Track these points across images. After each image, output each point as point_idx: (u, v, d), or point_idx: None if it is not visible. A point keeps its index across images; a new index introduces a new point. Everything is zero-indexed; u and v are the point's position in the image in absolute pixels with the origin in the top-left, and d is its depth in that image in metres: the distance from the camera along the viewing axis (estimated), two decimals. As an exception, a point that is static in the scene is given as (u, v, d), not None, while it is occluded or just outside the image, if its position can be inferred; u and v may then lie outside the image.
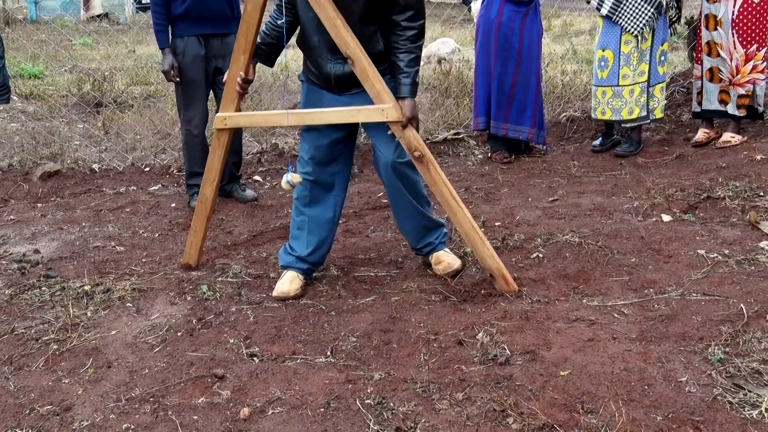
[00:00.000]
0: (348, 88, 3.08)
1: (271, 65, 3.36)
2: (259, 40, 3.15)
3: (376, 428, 2.24)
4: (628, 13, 4.85)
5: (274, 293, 3.23)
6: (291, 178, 3.15)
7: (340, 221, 4.24)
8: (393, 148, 3.10)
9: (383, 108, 2.96)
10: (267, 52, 3.23)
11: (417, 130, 3.01)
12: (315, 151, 3.20)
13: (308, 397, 2.44)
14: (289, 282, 3.25)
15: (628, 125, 5.17)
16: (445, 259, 3.38)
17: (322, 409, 2.37)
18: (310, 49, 3.10)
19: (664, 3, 4.86)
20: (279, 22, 3.11)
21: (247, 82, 3.20)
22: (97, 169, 5.47)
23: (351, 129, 3.25)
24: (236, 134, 4.64)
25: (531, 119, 5.25)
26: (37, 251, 3.92)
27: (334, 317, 3.03)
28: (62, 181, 5.25)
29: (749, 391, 2.32)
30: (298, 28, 3.14)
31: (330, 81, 3.09)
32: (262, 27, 3.15)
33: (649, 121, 5.16)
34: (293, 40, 3.30)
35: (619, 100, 5.05)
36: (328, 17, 2.86)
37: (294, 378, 2.56)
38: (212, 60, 4.40)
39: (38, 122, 6.65)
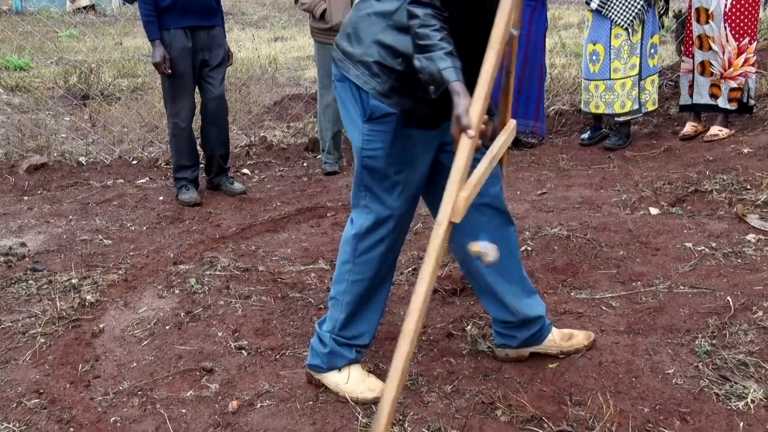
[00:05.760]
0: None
1: None
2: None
3: (365, 421, 2.24)
4: (618, 6, 4.86)
5: (371, 396, 2.33)
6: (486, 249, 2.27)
7: (329, 214, 4.24)
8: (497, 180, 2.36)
9: (511, 127, 2.29)
10: None
11: None
12: (414, 188, 2.30)
13: (297, 390, 2.44)
14: (369, 376, 2.42)
15: (621, 119, 5.18)
16: (576, 332, 2.61)
17: (311, 402, 2.37)
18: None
19: None
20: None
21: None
22: (84, 162, 5.44)
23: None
24: (223, 126, 4.63)
25: (535, 112, 5.31)
26: (23, 244, 3.89)
27: (323, 311, 3.03)
28: (49, 174, 5.21)
29: (735, 382, 2.33)
30: None
31: (444, 115, 2.07)
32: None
33: (641, 114, 5.18)
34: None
35: (611, 93, 5.06)
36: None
37: (283, 371, 2.56)
38: (199, 52, 4.37)
39: (24, 115, 6.59)
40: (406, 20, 2.01)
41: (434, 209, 2.29)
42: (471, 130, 1.78)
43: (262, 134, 5.98)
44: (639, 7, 4.83)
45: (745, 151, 4.70)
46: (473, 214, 2.25)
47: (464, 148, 1.80)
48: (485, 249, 1.96)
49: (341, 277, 2.35)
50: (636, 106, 5.08)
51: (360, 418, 2.26)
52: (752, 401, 2.23)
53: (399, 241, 2.34)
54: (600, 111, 5.18)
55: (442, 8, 1.93)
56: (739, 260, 3.23)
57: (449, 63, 1.87)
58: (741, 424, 2.14)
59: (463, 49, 1.94)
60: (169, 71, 4.27)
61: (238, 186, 4.75)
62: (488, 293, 2.46)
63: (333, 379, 2.40)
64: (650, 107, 5.19)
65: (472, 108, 1.82)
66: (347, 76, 2.15)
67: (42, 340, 2.83)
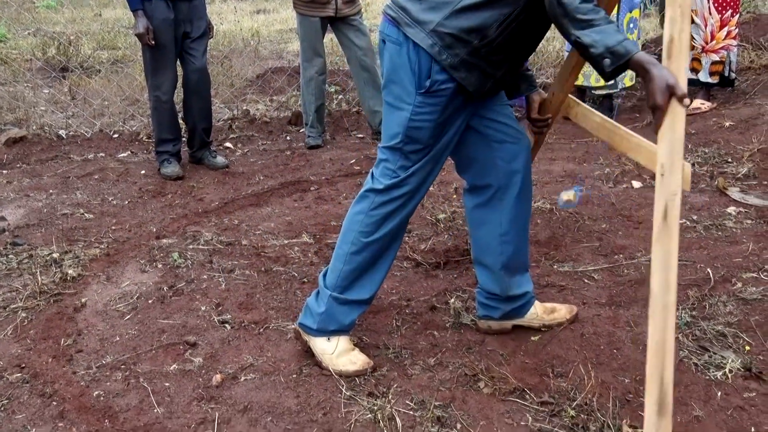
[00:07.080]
0: None
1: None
2: None
3: (348, 394, 2.26)
4: None
5: (352, 368, 2.37)
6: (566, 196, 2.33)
7: (313, 188, 4.23)
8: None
9: None
10: None
11: None
12: (440, 153, 2.30)
13: (281, 363, 2.45)
14: (353, 349, 2.43)
15: (597, 92, 5.18)
16: (558, 306, 2.65)
17: (295, 376, 2.38)
18: (522, 51, 2.22)
19: None
20: None
21: None
22: (64, 136, 5.37)
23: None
24: (205, 99, 4.58)
25: None
26: (3, 218, 3.85)
27: (306, 284, 3.03)
28: (28, 147, 5.14)
29: (714, 353, 2.37)
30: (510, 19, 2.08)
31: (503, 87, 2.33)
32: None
33: (618, 89, 5.18)
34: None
35: (587, 66, 5.05)
36: None
37: (266, 344, 2.56)
38: (181, 24, 4.31)
39: (1, 87, 6.49)
40: None
41: (465, 171, 2.44)
42: (687, 98, 1.81)
43: (244, 108, 5.93)
44: None
45: (727, 124, 4.72)
46: (504, 180, 2.38)
47: (681, 116, 1.81)
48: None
49: (351, 227, 2.35)
50: (612, 81, 5.07)
51: (344, 390, 2.27)
52: (730, 371, 2.26)
53: (414, 202, 2.34)
54: (579, 82, 5.18)
55: None
56: (720, 233, 3.26)
57: (624, 36, 1.88)
58: (719, 394, 2.17)
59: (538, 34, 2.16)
60: (153, 42, 4.21)
61: (220, 160, 4.72)
62: (486, 262, 2.49)
63: (320, 345, 2.40)
64: (627, 83, 5.19)
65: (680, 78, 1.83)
66: (415, 41, 2.10)
67: (23, 315, 2.82)
